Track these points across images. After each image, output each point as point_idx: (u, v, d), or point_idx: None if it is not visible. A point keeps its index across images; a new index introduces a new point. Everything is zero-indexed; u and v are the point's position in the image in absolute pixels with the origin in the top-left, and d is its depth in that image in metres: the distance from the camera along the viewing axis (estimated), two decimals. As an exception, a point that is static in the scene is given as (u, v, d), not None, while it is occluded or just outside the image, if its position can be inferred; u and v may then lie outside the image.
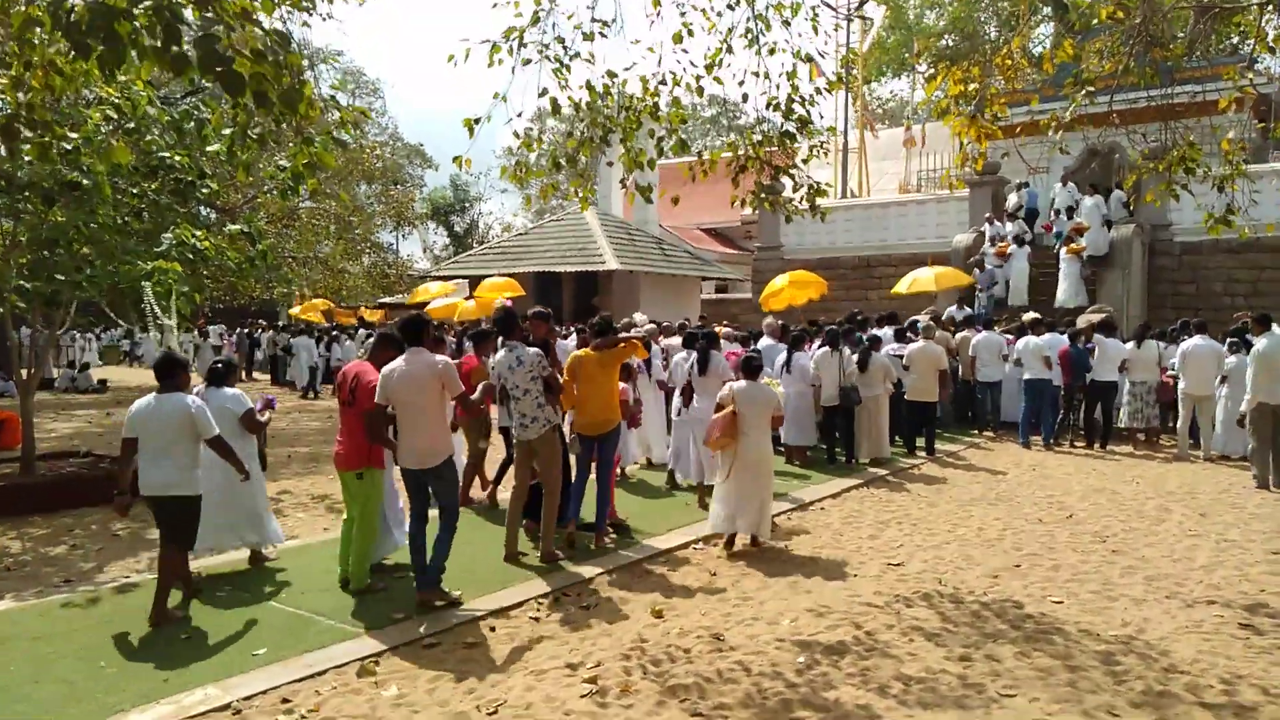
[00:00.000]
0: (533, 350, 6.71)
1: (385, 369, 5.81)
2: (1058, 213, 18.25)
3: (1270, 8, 7.94)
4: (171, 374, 5.72)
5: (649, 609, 5.83)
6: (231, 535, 6.62)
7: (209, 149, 8.48)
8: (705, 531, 7.61)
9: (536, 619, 5.70)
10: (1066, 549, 7.25)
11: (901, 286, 16.45)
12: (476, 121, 6.06)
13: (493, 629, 5.51)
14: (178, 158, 8.79)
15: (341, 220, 23.75)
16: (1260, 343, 9.65)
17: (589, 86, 6.42)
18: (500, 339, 6.98)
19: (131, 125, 8.25)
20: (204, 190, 9.28)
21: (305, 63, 5.42)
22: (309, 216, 22.84)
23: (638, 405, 9.10)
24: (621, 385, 7.90)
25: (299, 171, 6.00)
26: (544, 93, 6.33)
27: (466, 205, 53.17)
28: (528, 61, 6.18)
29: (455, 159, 6.29)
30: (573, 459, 7.34)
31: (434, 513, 6.00)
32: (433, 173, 50.81)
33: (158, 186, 8.95)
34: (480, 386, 6.65)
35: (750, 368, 7.40)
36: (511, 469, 7.78)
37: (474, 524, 8.10)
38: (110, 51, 3.66)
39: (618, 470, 8.58)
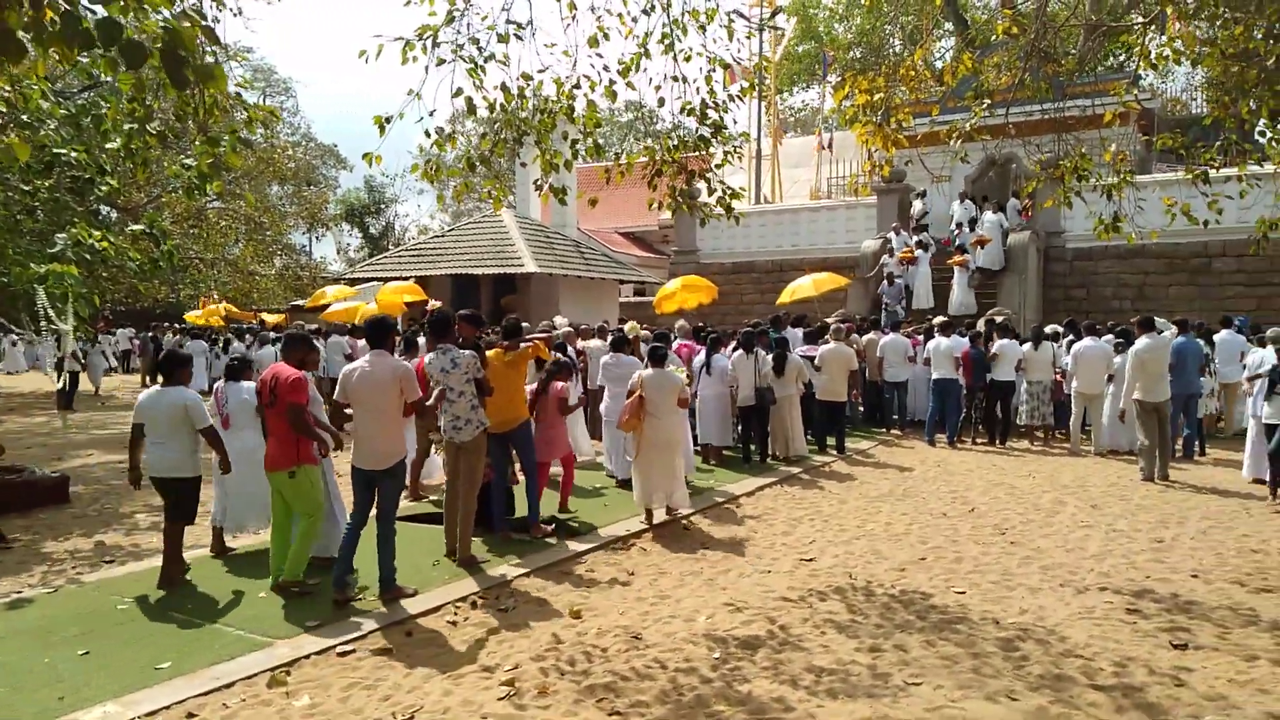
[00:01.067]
0: (467, 352, 6.75)
1: (346, 369, 6.06)
2: (960, 225, 18.89)
3: (1153, 27, 8.44)
4: (173, 370, 6.45)
5: (567, 609, 5.86)
6: (258, 518, 7.06)
7: (108, 145, 8.14)
8: (635, 527, 7.71)
9: (454, 623, 5.66)
10: (969, 541, 7.55)
11: (784, 295, 16.94)
12: (388, 120, 5.98)
13: (409, 634, 5.45)
14: (74, 153, 8.42)
15: (252, 221, 23.08)
16: (1138, 344, 10.25)
17: (504, 88, 6.41)
18: (434, 341, 7.00)
19: (25, 119, 7.86)
20: (103, 188, 8.90)
21: (210, 59, 5.27)
22: (217, 217, 22.14)
23: (582, 401, 9.44)
24: (560, 384, 8.22)
25: (204, 171, 5.83)
26: (459, 93, 6.29)
27: (382, 207, 52.11)
28: (442, 61, 6.13)
29: (365, 156, 6.19)
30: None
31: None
32: (347, 174, 49.78)
33: (52, 184, 8.55)
34: (435, 392, 6.73)
35: (656, 357, 8.11)
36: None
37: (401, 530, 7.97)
38: (3, 42, 3.51)
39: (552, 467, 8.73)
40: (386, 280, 24.16)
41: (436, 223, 50.65)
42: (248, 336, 20.30)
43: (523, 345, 7.53)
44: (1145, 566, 6.80)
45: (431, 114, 6.25)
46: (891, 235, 18.85)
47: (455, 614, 5.82)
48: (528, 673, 4.83)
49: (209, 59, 4.27)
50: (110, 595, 6.15)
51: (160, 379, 6.49)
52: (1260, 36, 7.47)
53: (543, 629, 5.53)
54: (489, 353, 7.36)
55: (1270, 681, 4.64)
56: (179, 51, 3.83)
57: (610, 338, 10.61)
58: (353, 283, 23.33)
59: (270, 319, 25.12)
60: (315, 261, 36.78)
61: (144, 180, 16.84)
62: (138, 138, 5.34)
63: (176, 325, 26.40)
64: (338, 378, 6.33)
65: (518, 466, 7.84)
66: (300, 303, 24.07)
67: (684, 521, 8.29)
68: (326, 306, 18.18)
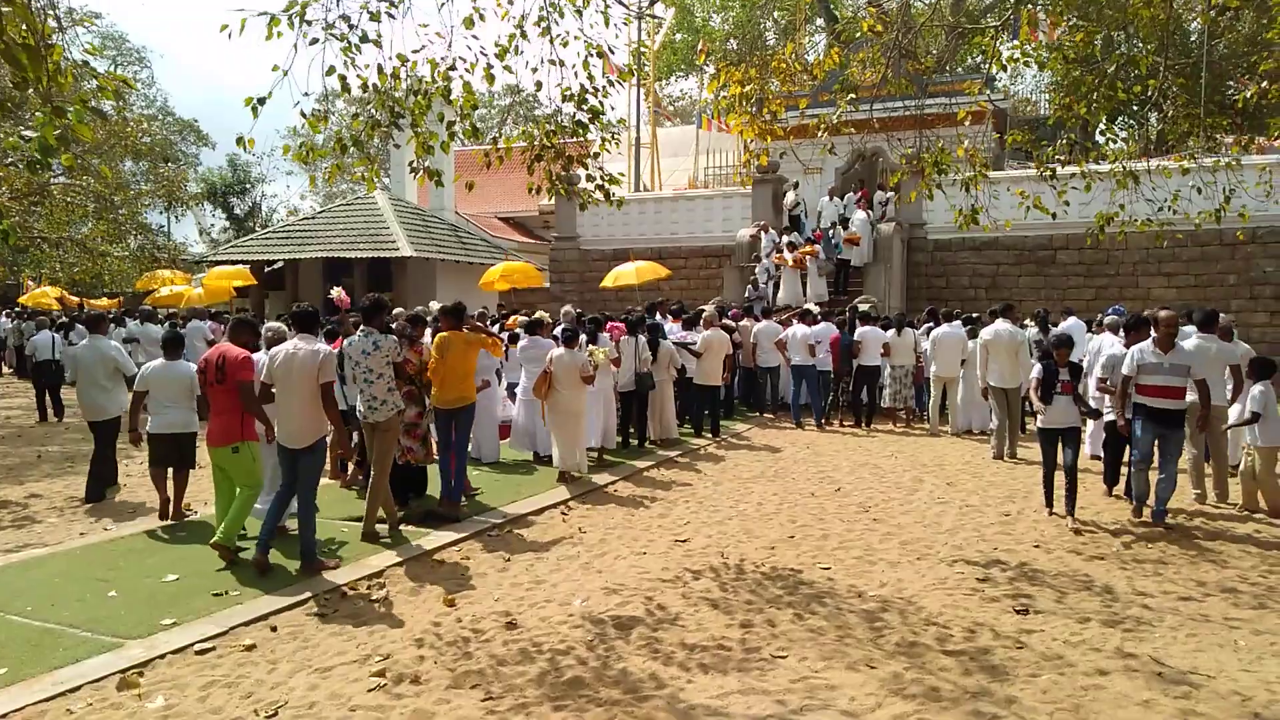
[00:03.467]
0: (390, 337, 7.13)
1: (271, 352, 6.39)
2: (834, 224, 19.40)
3: (1004, 31, 8.96)
4: (176, 347, 7.70)
5: (440, 598, 5.79)
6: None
7: (-70, 112, 7.44)
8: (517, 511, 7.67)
9: (323, 615, 5.50)
10: (834, 519, 7.87)
11: (608, 281, 17.21)
12: (261, 101, 5.69)
13: (274, 629, 5.27)
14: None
15: (103, 199, 21.57)
16: (985, 332, 10.86)
17: (378, 69, 6.21)
18: (359, 324, 7.29)
19: None
20: (-77, 158, 8.13)
21: (52, 23, 4.90)
22: (62, 193, 20.59)
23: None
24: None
25: (49, 143, 5.41)
26: (331, 71, 6.06)
27: (248, 187, 49.60)
28: (314, 41, 5.88)
29: (238, 140, 5.89)
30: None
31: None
32: (210, 151, 47.16)
33: None
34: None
35: (566, 337, 9.12)
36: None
37: (252, 523, 7.67)
38: None
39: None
40: (254, 263, 23.17)
41: (307, 204, 48.65)
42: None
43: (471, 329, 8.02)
44: (994, 539, 7.26)
45: (306, 95, 6.02)
46: (762, 235, 19.17)
47: (324, 605, 5.66)
48: (400, 662, 4.75)
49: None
50: (-63, 600, 5.68)
51: (163, 354, 7.68)
52: (1099, 44, 8.05)
53: (416, 617, 5.45)
54: (448, 334, 7.77)
55: (1099, 640, 5.05)
56: None
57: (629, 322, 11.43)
58: (215, 264, 22.22)
59: (103, 303, 23.64)
60: (175, 243, 34.70)
61: (-20, 153, 15.48)
62: (-33, 106, 4.91)
63: (11, 309, 24.49)
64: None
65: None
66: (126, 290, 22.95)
67: (561, 507, 8.31)
68: (151, 291, 17.44)
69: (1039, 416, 7.96)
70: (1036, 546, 7.02)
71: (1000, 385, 10.72)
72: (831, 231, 19.30)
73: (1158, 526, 7.50)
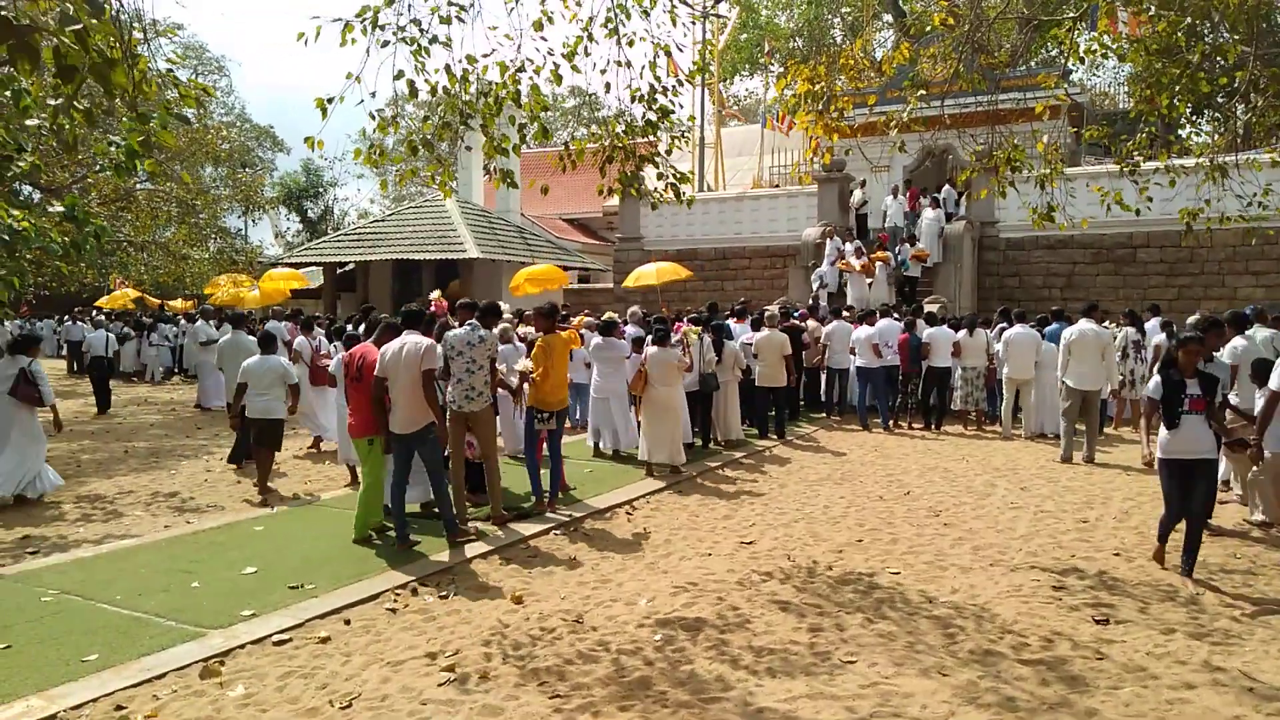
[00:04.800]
0: (494, 333, 7.65)
1: (383, 347, 6.90)
2: (907, 238, 18.83)
3: (1082, 22, 8.68)
4: (270, 344, 9.16)
5: (510, 595, 5.85)
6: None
7: (27, 122, 7.79)
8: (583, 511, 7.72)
9: (394, 610, 5.61)
10: (904, 523, 7.73)
11: (629, 281, 17.07)
12: (329, 102, 5.85)
13: (348, 622, 5.39)
14: (-11, 130, 8.02)
15: (184, 204, 22.37)
16: (1069, 332, 10.54)
17: (447, 70, 6.31)
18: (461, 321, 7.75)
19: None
20: (20, 164, 8.53)
21: (139, 34, 5.08)
22: (147, 199, 21.39)
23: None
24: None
25: (134, 148, 5.63)
26: (400, 75, 6.18)
27: (320, 190, 50.94)
28: (385, 44, 6.01)
29: (307, 140, 6.05)
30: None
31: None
32: (284, 156, 48.61)
33: (-38, 161, 8.14)
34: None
35: (659, 336, 9.68)
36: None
37: (328, 515, 7.88)
38: None
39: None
40: (326, 265, 23.78)
41: (377, 207, 49.77)
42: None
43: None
44: (1070, 546, 7.04)
45: (373, 95, 6.11)
46: (826, 241, 18.88)
47: (395, 600, 5.77)
48: (469, 658, 4.82)
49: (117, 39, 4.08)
50: (34, 588, 5.95)
51: (259, 350, 9.17)
52: (1182, 34, 7.74)
53: (485, 614, 5.51)
54: (549, 336, 8.12)
55: (1185, 653, 4.85)
56: (70, 64, 3.66)
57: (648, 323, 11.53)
58: (292, 267, 22.87)
59: (179, 305, 24.57)
60: (252, 245, 35.83)
61: (72, 160, 16.14)
62: (63, 115, 5.11)
63: (85, 310, 25.60)
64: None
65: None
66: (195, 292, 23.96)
67: (626, 507, 8.34)
68: (214, 294, 18.36)
69: (1158, 444, 6.28)
70: (1116, 555, 6.79)
71: (1080, 387, 10.36)
72: (898, 250, 18.66)
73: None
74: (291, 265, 23.13)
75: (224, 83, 44.16)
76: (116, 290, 24.46)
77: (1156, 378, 6.31)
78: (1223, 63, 8.36)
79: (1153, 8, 7.78)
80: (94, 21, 3.92)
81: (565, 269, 26.29)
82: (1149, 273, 18.24)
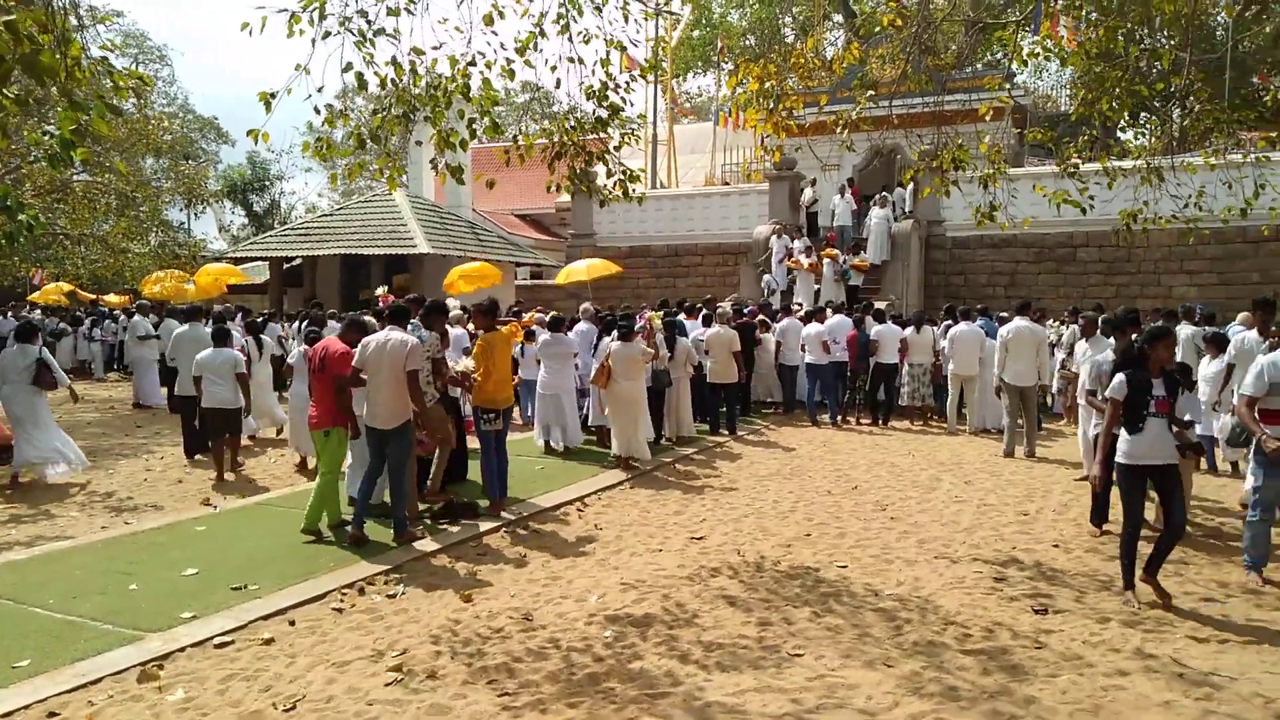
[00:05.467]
0: (433, 334, 7.52)
1: (364, 340, 6.91)
2: (852, 247, 19.01)
3: (1025, 26, 8.87)
4: (223, 339, 9.38)
5: (459, 593, 5.80)
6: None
7: (-47, 109, 7.50)
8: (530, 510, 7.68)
9: (340, 609, 5.53)
10: (851, 517, 7.84)
11: (560, 278, 17.03)
12: (273, 96, 5.72)
13: (293, 623, 5.30)
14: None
15: (124, 196, 21.75)
16: (1004, 330, 10.73)
17: (394, 63, 6.22)
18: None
19: None
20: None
21: (72, 20, 4.92)
22: (85, 190, 20.77)
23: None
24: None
25: (68, 139, 5.45)
26: (348, 68, 6.07)
27: (267, 184, 49.88)
28: (329, 34, 5.90)
29: (250, 132, 5.92)
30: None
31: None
32: (229, 148, 47.47)
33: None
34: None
35: (623, 332, 9.68)
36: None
37: (274, 514, 7.73)
38: None
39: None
40: (272, 260, 23.31)
41: (325, 201, 48.91)
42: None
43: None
44: (1011, 538, 7.20)
45: (320, 90, 5.99)
46: (774, 239, 18.98)
47: (342, 600, 5.69)
48: (416, 657, 4.77)
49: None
50: (-38, 591, 5.75)
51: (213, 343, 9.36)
52: (1122, 39, 7.95)
53: (433, 613, 5.46)
54: (490, 334, 7.99)
55: (1119, 641, 5.00)
56: None
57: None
58: (236, 261, 22.37)
59: (113, 300, 23.90)
60: (195, 239, 34.99)
61: (4, 149, 15.61)
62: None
63: (18, 305, 24.77)
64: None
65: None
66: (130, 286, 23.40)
67: (577, 504, 8.32)
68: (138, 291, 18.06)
69: (1118, 448, 5.70)
70: (1055, 546, 6.96)
71: (1017, 383, 10.57)
72: (843, 260, 18.65)
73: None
74: (236, 260, 22.66)
75: (166, 72, 42.97)
76: (37, 283, 23.71)
77: (1120, 376, 5.70)
78: (1159, 68, 8.60)
79: (1094, 13, 7.99)
80: (26, 9, 3.79)
81: (517, 265, 26.18)
82: (1089, 271, 18.73)
